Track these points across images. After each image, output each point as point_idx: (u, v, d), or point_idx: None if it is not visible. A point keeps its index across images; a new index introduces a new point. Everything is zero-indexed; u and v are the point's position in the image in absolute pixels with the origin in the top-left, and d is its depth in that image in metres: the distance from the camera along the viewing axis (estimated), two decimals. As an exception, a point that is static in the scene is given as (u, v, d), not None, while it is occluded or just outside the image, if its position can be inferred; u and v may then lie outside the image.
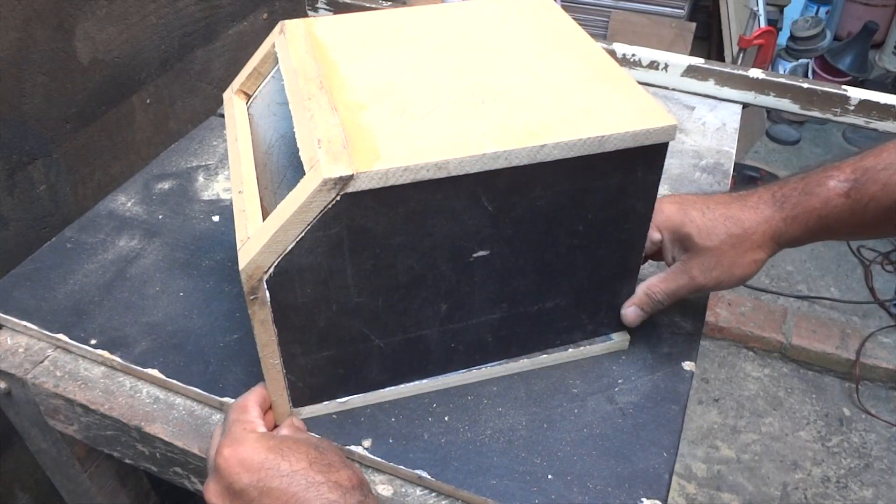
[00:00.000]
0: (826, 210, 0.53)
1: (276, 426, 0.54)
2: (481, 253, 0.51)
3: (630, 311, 0.60)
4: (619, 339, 0.62)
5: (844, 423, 1.65)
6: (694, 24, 2.26)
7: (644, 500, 0.52)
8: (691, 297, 0.62)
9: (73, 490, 0.76)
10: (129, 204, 0.79)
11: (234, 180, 0.53)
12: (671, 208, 0.58)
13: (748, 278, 0.56)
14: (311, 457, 0.46)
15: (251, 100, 0.61)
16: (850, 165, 0.53)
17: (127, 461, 0.63)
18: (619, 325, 0.62)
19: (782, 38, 2.45)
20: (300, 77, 0.53)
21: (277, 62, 0.58)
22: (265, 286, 0.46)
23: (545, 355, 0.61)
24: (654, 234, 0.59)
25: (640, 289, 0.60)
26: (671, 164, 0.89)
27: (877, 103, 0.95)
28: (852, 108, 0.96)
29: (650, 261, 0.66)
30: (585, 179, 0.50)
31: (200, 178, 0.84)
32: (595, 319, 0.61)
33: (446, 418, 0.57)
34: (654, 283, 0.59)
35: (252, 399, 0.53)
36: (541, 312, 0.57)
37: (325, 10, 1.24)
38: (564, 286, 0.56)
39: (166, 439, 0.57)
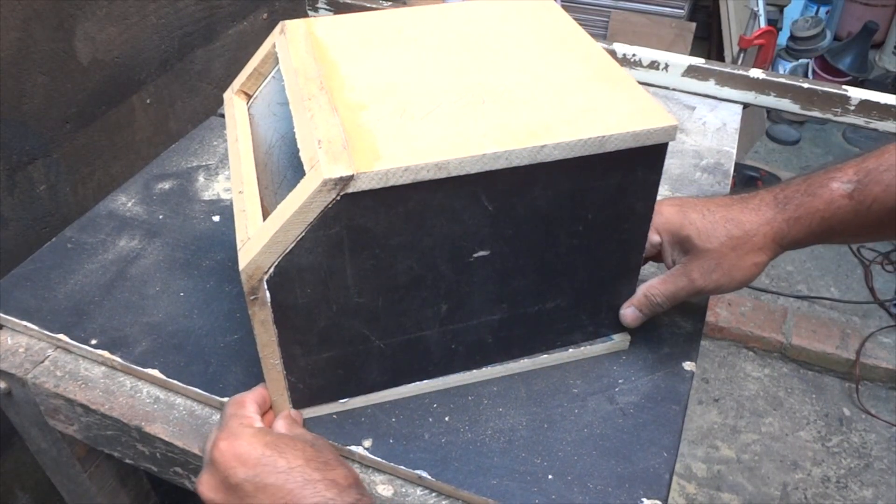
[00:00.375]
0: (829, 211, 0.53)
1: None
2: (481, 253, 0.51)
3: (628, 312, 0.60)
4: (619, 340, 0.62)
5: (844, 423, 1.65)
6: (694, 24, 2.26)
7: (644, 500, 0.52)
8: (692, 300, 0.62)
9: (73, 490, 0.76)
10: (129, 204, 0.79)
11: (234, 180, 0.53)
12: (670, 210, 0.58)
13: (749, 282, 0.56)
14: (307, 454, 0.46)
15: (251, 100, 0.61)
16: (852, 167, 0.53)
17: (127, 461, 0.63)
18: (620, 326, 0.62)
19: (782, 38, 2.45)
20: (300, 77, 0.53)
21: (278, 62, 0.58)
22: (265, 286, 0.46)
23: (546, 355, 0.61)
24: (653, 237, 0.59)
25: (640, 290, 0.59)
26: (671, 164, 0.89)
27: (877, 103, 0.95)
28: (852, 108, 0.96)
29: (652, 261, 0.66)
30: (585, 179, 0.50)
31: (201, 178, 0.84)
32: (595, 320, 0.61)
33: (447, 418, 0.57)
34: (653, 284, 0.59)
35: (250, 397, 0.53)
36: (541, 313, 0.57)
37: (325, 10, 1.24)
38: (564, 286, 0.56)
39: (166, 439, 0.57)
